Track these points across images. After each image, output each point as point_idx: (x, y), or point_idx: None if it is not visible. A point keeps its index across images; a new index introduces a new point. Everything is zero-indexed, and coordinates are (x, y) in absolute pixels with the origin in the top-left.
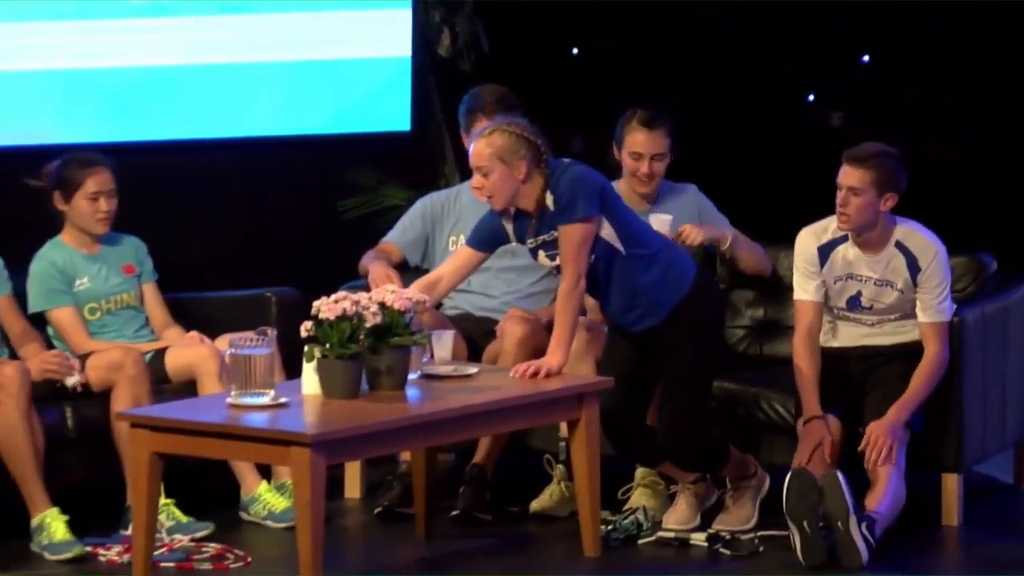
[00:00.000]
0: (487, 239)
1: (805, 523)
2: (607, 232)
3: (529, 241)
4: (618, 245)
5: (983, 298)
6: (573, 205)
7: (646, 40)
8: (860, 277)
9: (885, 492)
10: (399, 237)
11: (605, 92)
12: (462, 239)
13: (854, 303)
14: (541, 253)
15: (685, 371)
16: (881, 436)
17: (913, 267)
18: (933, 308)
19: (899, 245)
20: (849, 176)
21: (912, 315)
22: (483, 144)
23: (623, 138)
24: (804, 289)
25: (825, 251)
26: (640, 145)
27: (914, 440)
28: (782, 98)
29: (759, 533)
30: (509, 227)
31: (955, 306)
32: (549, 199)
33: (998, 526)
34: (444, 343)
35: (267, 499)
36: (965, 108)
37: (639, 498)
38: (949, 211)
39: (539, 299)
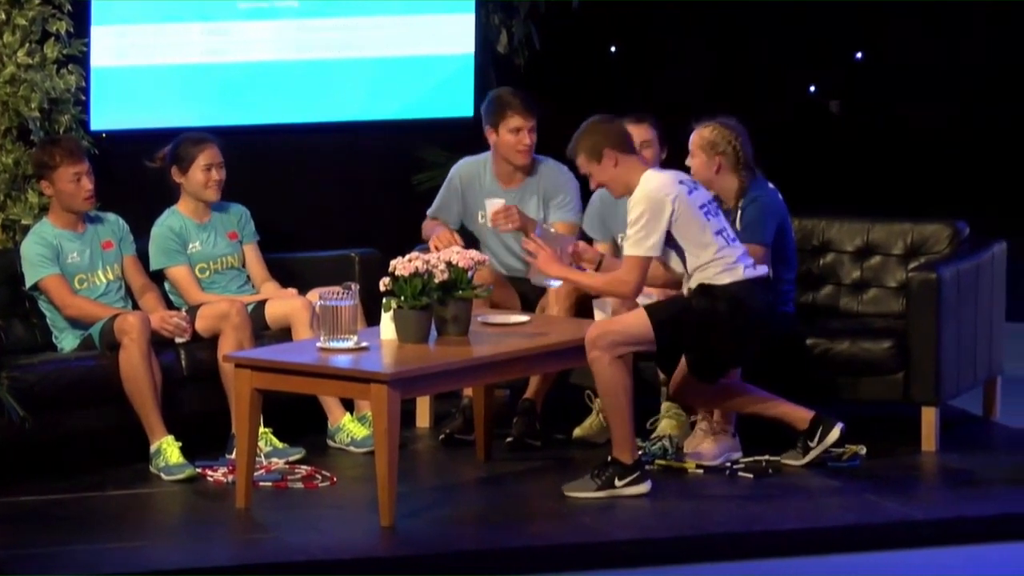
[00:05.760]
0: None
1: None
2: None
3: None
4: None
5: (958, 259)
6: (758, 228)
7: (670, 42)
8: None
9: None
10: (441, 215)
11: (634, 84)
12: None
13: None
14: None
15: None
16: None
17: None
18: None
19: None
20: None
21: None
22: (697, 133)
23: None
24: None
25: None
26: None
27: (900, 377)
28: (788, 90)
29: (767, 458)
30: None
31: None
32: (740, 203)
33: (969, 451)
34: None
35: (350, 428)
36: (944, 94)
37: (665, 427)
38: (930, 182)
39: None
